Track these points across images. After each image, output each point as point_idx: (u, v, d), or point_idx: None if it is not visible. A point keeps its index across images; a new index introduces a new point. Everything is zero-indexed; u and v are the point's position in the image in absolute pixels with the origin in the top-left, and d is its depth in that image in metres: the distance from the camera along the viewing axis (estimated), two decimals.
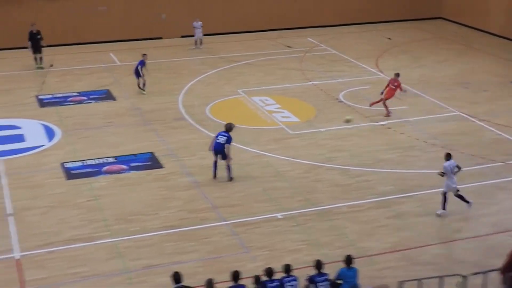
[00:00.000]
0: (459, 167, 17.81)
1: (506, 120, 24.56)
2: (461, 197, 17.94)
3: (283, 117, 24.99)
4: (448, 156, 17.79)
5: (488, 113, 25.31)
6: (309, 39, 36.43)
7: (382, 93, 24.98)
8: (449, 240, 16.96)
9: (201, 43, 34.50)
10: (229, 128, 19.96)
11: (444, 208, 17.81)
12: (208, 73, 30.44)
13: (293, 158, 21.42)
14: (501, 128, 23.81)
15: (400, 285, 13.97)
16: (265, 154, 21.72)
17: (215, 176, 19.92)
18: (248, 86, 28.45)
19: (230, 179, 19.83)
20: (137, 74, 27.18)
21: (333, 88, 28.09)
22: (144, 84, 27.26)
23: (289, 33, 37.57)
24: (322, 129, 23.66)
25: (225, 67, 31.46)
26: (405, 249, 16.40)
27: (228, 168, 19.84)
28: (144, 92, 27.14)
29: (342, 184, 19.77)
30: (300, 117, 24.98)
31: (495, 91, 28.01)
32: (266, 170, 20.66)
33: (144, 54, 27.52)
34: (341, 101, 26.50)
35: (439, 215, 17.83)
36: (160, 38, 36.44)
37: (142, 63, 27.11)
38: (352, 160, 21.27)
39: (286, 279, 13.19)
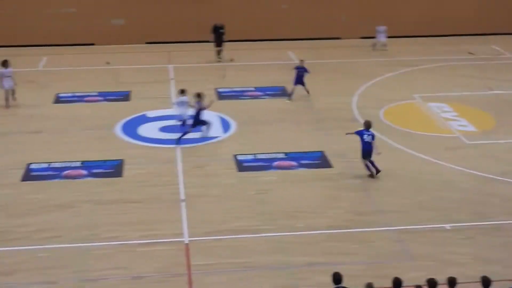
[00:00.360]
0: None
1: None
2: None
3: (459, 125, 24.15)
4: None
5: None
6: (493, 46, 34.92)
7: None
8: None
9: (383, 45, 34.16)
10: (370, 125, 20.07)
11: None
12: (384, 76, 30.07)
13: (467, 169, 20.63)
14: None
15: None
16: (437, 162, 21.10)
17: (374, 173, 19.89)
18: (424, 92, 27.74)
19: (378, 171, 19.81)
20: (300, 81, 26.70)
21: None
22: (307, 91, 26.91)
23: (472, 39, 36.20)
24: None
25: (403, 70, 30.91)
26: None
27: (372, 162, 19.86)
28: (309, 95, 26.98)
29: None
30: (478, 127, 24.02)
31: None
32: (437, 178, 20.08)
33: (302, 60, 27.22)
34: None
35: None
36: (339, 38, 36.50)
37: (306, 70, 26.78)
38: None
39: None
